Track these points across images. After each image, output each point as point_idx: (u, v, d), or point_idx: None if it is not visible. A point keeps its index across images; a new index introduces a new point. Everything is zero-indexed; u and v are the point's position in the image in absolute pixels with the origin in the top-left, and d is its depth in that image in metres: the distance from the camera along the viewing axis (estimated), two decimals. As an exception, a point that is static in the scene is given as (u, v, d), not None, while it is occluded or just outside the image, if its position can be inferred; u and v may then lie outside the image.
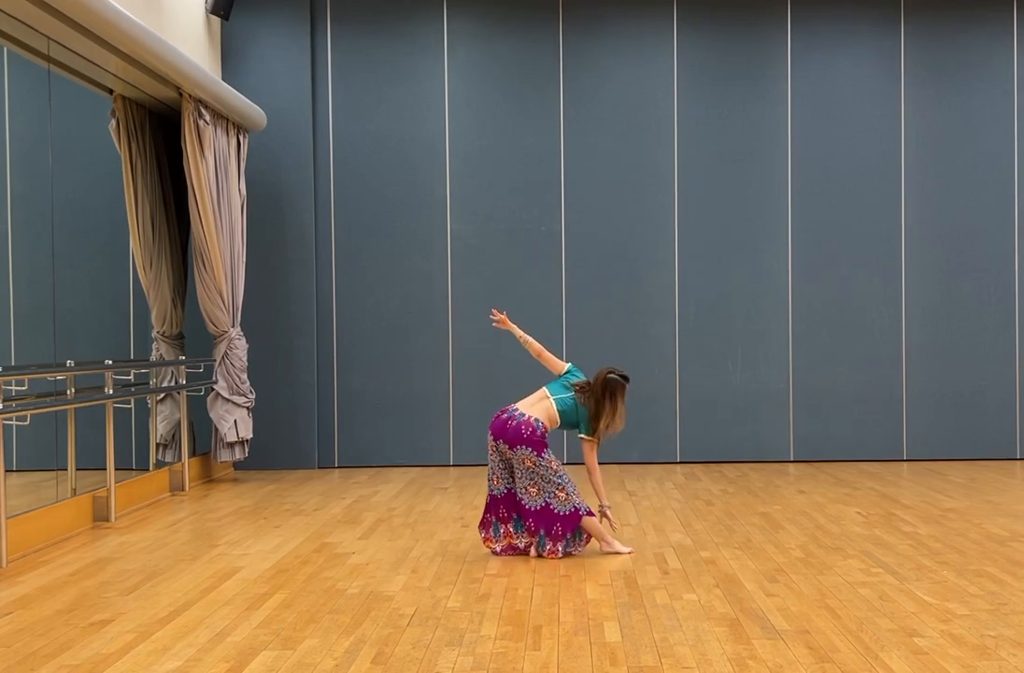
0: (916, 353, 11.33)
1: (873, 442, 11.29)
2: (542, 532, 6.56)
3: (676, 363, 11.23)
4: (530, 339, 6.97)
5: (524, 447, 6.53)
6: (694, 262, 11.26)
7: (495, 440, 6.63)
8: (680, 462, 11.21)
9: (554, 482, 6.55)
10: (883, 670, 4.34)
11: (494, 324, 7.11)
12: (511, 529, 6.66)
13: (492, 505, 6.71)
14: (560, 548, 6.57)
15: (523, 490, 6.59)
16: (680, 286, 11.25)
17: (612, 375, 6.72)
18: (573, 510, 6.57)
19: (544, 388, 6.79)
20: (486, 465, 10.92)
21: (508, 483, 6.68)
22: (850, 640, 4.75)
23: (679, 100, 11.28)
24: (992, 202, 11.37)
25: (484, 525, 6.72)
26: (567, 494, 6.57)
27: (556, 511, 6.56)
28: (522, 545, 6.65)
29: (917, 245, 11.34)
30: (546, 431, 6.63)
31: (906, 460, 11.27)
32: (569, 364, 6.95)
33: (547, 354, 6.95)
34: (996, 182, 11.38)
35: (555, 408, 6.67)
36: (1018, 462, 11.19)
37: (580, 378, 6.82)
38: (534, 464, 6.54)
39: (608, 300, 11.17)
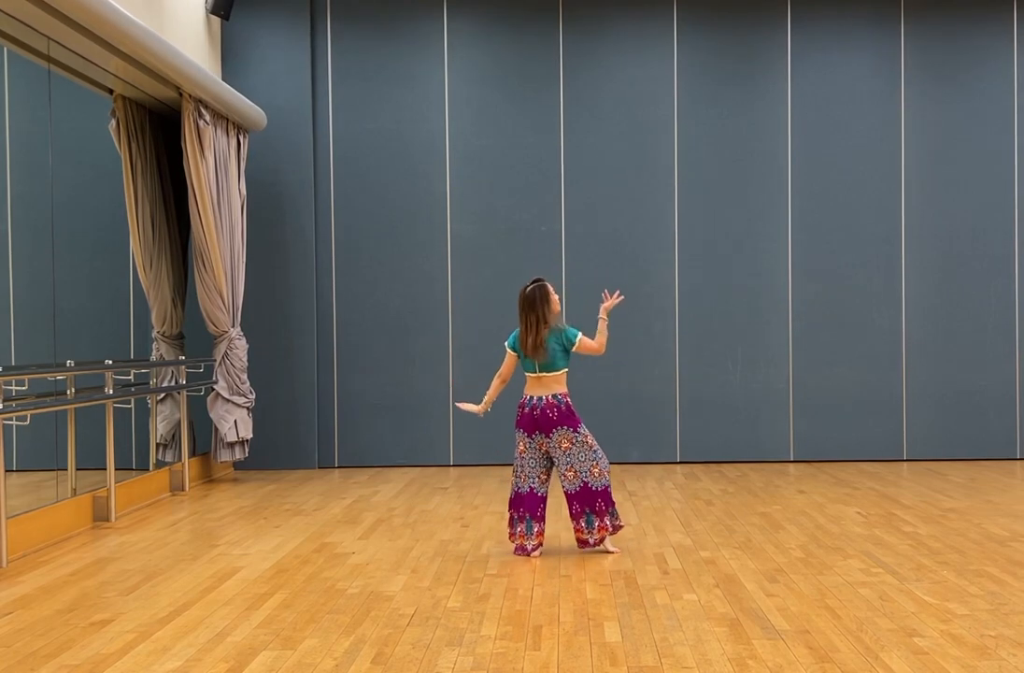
0: (916, 353, 11.33)
1: (873, 442, 11.29)
2: (587, 511, 6.63)
3: (676, 363, 11.23)
4: (491, 396, 6.87)
5: (560, 427, 6.60)
6: (694, 262, 11.26)
7: (529, 435, 6.66)
8: (680, 462, 11.21)
9: (589, 458, 6.61)
10: (883, 670, 4.34)
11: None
12: (523, 529, 6.68)
13: (515, 501, 6.73)
14: (608, 522, 6.65)
15: (562, 476, 6.68)
16: (680, 286, 11.26)
17: (524, 292, 6.70)
18: (606, 485, 6.67)
19: (528, 375, 6.71)
20: (486, 465, 11.03)
21: (532, 482, 6.69)
22: (850, 640, 4.75)
23: (679, 100, 11.28)
24: (992, 202, 11.38)
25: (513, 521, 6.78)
26: (600, 469, 6.64)
27: (593, 487, 6.63)
28: (530, 547, 6.65)
29: (917, 245, 11.34)
30: (567, 398, 6.66)
31: (906, 460, 11.27)
32: (506, 346, 6.81)
33: (502, 375, 6.83)
34: (996, 182, 11.38)
35: (551, 372, 6.65)
36: (1018, 462, 11.19)
37: (512, 340, 6.76)
38: (571, 443, 6.60)
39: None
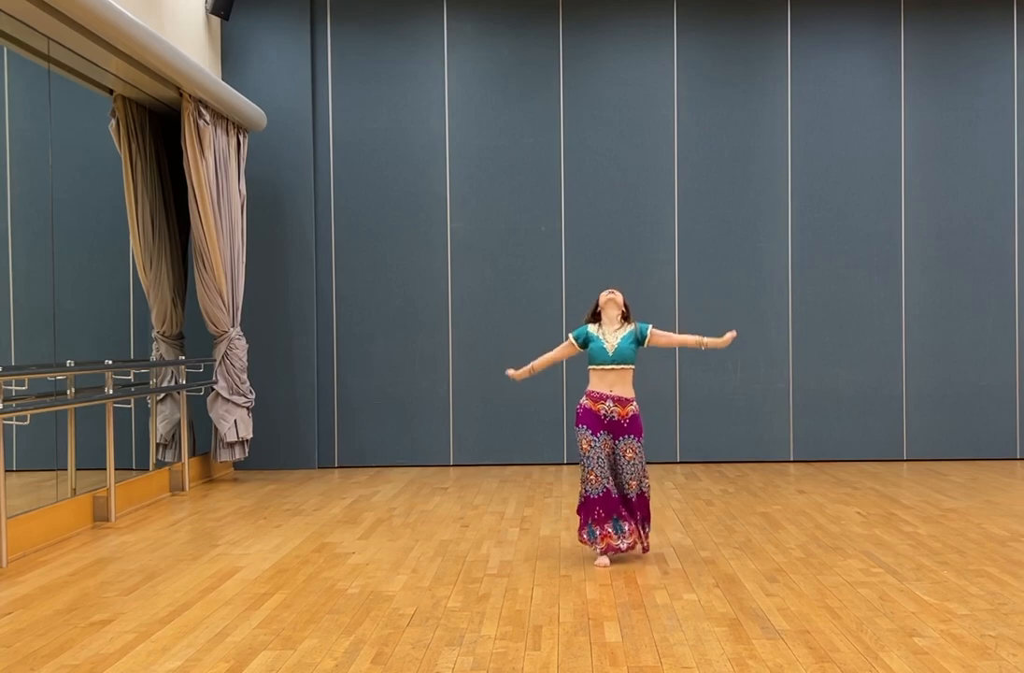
0: (916, 353, 11.33)
1: (873, 442, 11.29)
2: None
3: (677, 363, 11.22)
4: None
5: None
6: (694, 262, 11.26)
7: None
8: (680, 462, 11.21)
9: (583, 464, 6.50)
10: (883, 670, 4.34)
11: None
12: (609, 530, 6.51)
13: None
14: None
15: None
16: (680, 286, 11.26)
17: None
18: (581, 496, 6.51)
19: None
20: (486, 465, 11.05)
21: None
22: (850, 640, 4.75)
23: (679, 100, 11.28)
24: (992, 202, 11.38)
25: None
26: (586, 477, 6.43)
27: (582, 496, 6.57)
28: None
29: (917, 245, 11.34)
30: (580, 404, 6.49)
31: (906, 460, 11.27)
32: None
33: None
34: (996, 182, 11.38)
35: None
36: (1018, 462, 11.19)
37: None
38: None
39: (608, 300, 11.13)
